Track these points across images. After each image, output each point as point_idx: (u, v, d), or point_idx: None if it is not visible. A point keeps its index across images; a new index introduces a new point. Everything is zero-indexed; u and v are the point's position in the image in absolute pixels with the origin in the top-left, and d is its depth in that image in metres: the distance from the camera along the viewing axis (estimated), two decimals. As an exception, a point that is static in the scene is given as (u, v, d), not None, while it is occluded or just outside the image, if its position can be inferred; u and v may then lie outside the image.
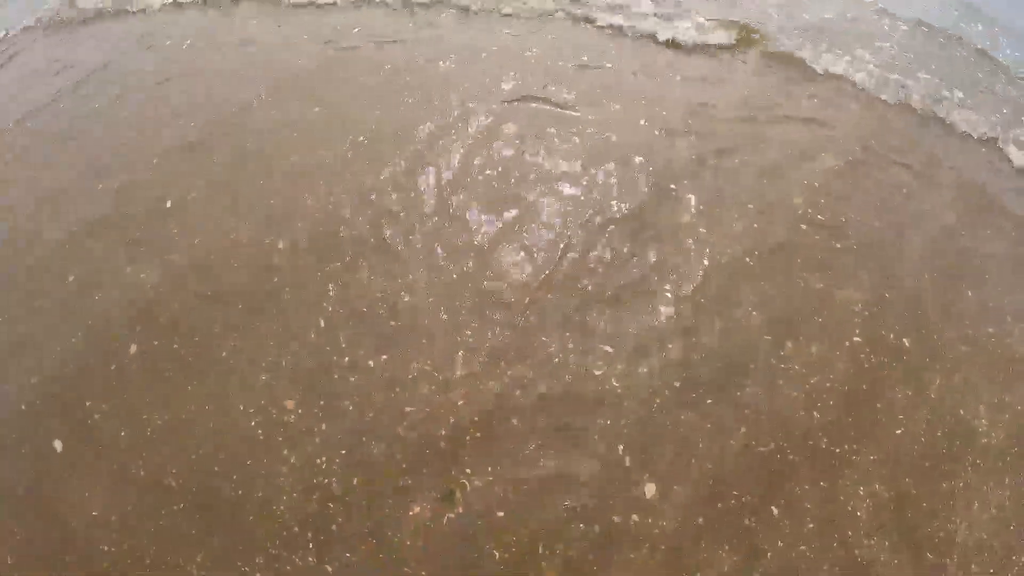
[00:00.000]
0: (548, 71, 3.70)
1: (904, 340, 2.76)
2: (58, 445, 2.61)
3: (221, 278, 2.94)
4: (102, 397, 2.70)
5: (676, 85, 3.68)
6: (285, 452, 2.51)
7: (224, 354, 2.77)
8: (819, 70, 3.82)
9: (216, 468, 2.52)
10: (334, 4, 4.33)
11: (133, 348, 2.82)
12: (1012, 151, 3.59)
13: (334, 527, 2.35)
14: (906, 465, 2.50)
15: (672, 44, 3.87)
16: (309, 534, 2.36)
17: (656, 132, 3.37)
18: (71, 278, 3.05)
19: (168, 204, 3.35)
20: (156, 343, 2.83)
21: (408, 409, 2.48)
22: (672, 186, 3.13)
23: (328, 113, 3.55)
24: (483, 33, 4.01)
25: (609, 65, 3.76)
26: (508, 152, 3.26)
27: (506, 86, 3.59)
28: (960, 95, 3.87)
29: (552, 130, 3.35)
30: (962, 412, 2.66)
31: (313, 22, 4.21)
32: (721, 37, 3.93)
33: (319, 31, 4.11)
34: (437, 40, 3.96)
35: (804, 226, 3.06)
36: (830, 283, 2.87)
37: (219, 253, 3.02)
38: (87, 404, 2.72)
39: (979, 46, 4.28)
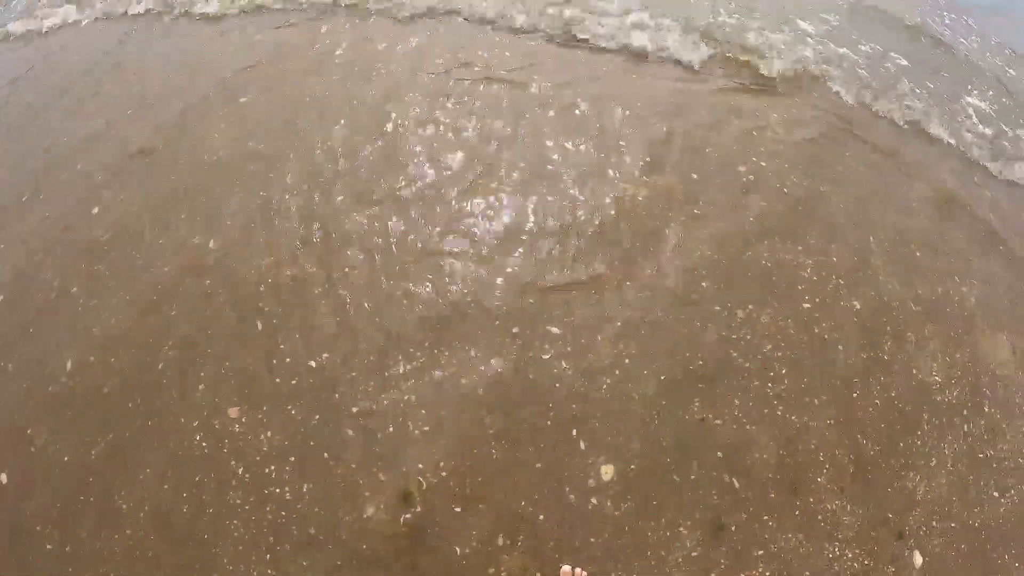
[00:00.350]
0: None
1: (855, 303, 2.77)
2: (3, 477, 2.48)
3: (152, 285, 2.81)
4: (42, 421, 2.56)
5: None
6: (233, 463, 2.40)
7: (161, 366, 2.65)
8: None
9: (165, 487, 2.40)
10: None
11: (69, 364, 2.68)
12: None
13: (290, 537, 2.26)
14: (864, 428, 2.50)
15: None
16: (264, 547, 2.26)
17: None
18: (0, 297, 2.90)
19: (95, 210, 3.21)
20: (92, 359, 2.69)
21: (354, 409, 2.40)
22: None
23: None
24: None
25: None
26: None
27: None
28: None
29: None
30: (914, 371, 2.67)
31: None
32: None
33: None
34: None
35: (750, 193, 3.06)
36: (776, 250, 2.86)
37: (147, 258, 2.90)
38: (27, 431, 2.57)
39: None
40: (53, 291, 2.89)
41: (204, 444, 2.45)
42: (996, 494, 2.45)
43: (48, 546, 2.32)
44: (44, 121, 3.83)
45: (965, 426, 2.60)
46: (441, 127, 3.32)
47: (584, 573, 2.06)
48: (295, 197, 3.05)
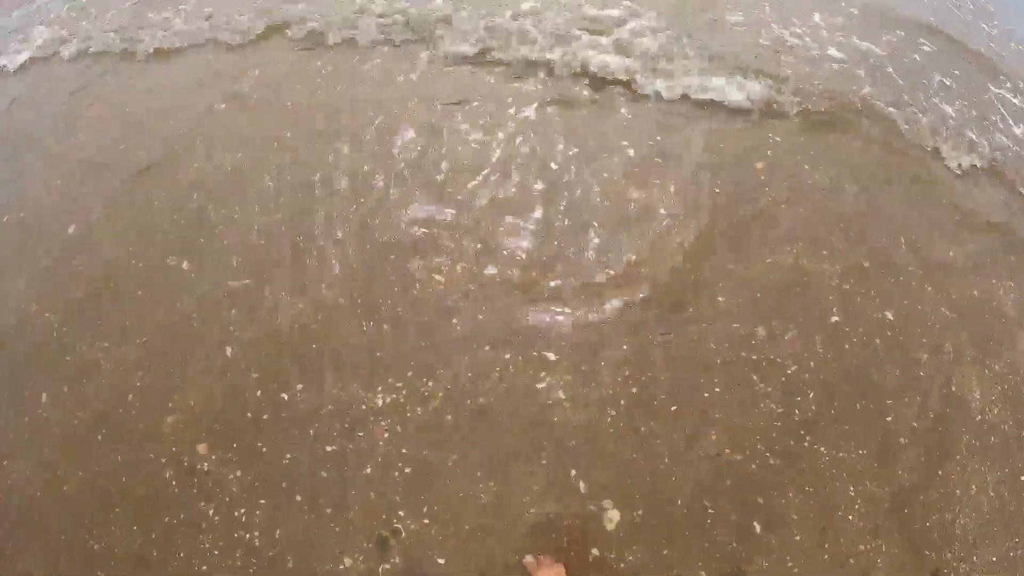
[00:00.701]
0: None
1: (886, 313, 2.47)
2: None
3: (122, 309, 2.61)
4: (14, 456, 2.40)
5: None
6: (202, 505, 2.21)
7: (130, 397, 2.45)
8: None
9: (135, 527, 2.22)
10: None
11: (44, 396, 2.51)
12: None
13: (262, 587, 2.06)
14: (899, 456, 2.21)
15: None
16: (236, 596, 2.07)
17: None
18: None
19: (71, 230, 3.02)
20: (65, 388, 2.51)
21: (329, 448, 2.17)
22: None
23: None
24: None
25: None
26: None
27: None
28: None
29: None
30: (953, 388, 2.37)
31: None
32: None
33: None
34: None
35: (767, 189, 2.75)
36: (800, 256, 2.56)
37: (119, 279, 2.70)
38: (3, 463, 2.41)
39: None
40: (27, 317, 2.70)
41: (174, 483, 2.25)
42: None
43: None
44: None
45: (1007, 446, 2.31)
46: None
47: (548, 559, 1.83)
48: (268, 216, 2.81)
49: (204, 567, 2.12)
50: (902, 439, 2.25)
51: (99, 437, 2.41)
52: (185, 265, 2.70)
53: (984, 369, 2.45)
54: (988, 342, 2.53)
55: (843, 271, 2.55)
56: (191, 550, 2.15)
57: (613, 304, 2.45)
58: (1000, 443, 2.33)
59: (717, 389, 2.24)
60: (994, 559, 2.11)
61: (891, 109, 3.23)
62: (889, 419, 2.28)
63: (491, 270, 2.55)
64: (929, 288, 2.60)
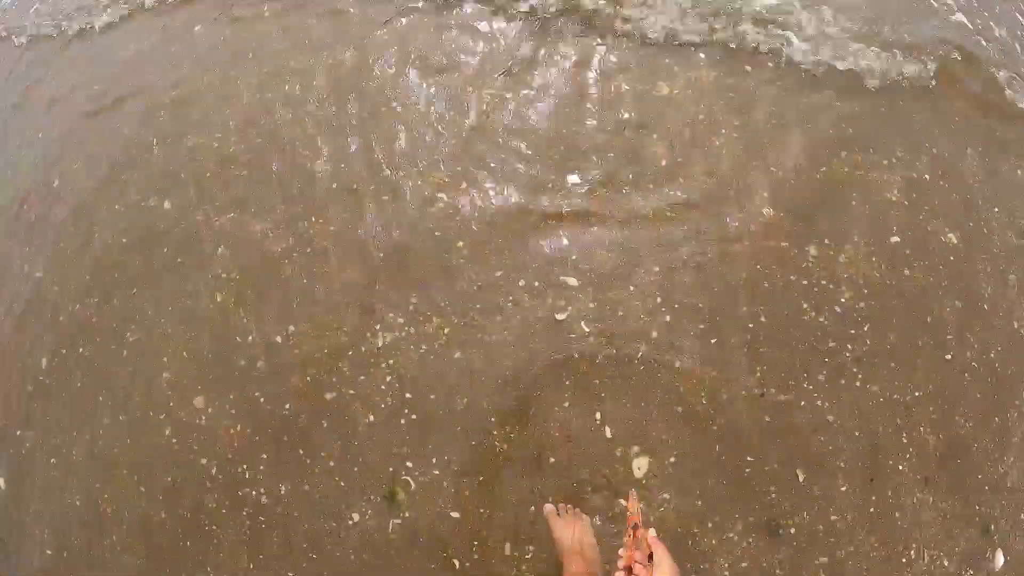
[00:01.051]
0: None
1: (950, 236, 2.18)
2: (1, 483, 2.33)
3: (106, 254, 2.47)
4: (26, 424, 2.37)
5: None
6: (204, 462, 2.09)
7: (125, 353, 2.33)
8: None
9: (142, 489, 2.14)
10: None
11: (44, 362, 2.42)
12: None
13: (271, 545, 1.96)
14: (956, 400, 1.98)
15: None
16: (245, 556, 1.98)
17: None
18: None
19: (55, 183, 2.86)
20: (64, 351, 2.41)
21: (328, 395, 2.01)
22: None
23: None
24: None
25: None
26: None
27: None
28: None
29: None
30: (1016, 324, 2.10)
31: None
32: None
33: None
34: None
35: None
36: (858, 165, 2.24)
37: (101, 221, 2.54)
38: (17, 433, 2.37)
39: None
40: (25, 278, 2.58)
41: (174, 440, 2.14)
42: None
43: (47, 551, 2.18)
44: None
45: None
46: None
47: (571, 508, 1.68)
48: (242, 147, 2.57)
49: (213, 526, 2.03)
50: (960, 379, 2.00)
51: (99, 398, 2.31)
52: (167, 205, 2.51)
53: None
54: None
55: (905, 184, 2.23)
56: (196, 508, 2.06)
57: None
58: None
59: (763, 319, 2.00)
60: None
61: None
62: (948, 357, 2.03)
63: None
64: (997, 209, 2.28)
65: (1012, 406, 2.01)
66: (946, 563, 1.81)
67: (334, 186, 2.37)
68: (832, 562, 1.78)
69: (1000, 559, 1.85)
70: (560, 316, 2.02)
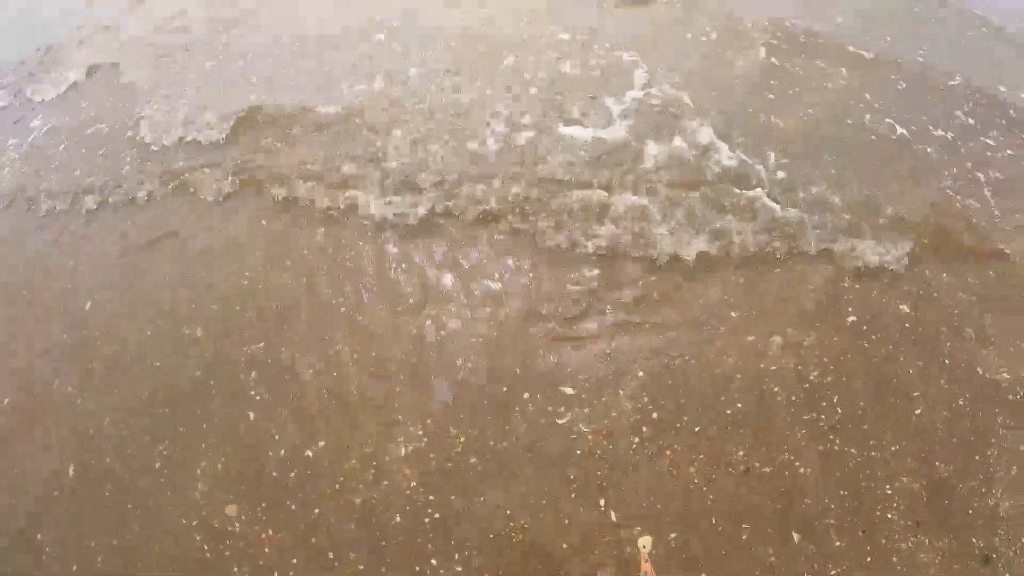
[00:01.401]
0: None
1: (902, 306, 2.42)
2: None
3: (141, 382, 2.63)
4: (49, 527, 2.44)
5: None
6: (236, 569, 2.21)
7: (157, 465, 2.47)
8: None
9: (172, 596, 2.24)
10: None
11: (71, 470, 2.54)
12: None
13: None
14: (933, 447, 2.17)
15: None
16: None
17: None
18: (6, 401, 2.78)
19: (87, 306, 3.04)
20: (92, 462, 2.54)
21: (357, 500, 2.17)
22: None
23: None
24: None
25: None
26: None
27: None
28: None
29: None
30: (979, 370, 2.32)
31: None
32: None
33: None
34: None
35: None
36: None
37: (134, 353, 2.72)
38: (37, 537, 2.45)
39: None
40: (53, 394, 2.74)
41: (205, 547, 2.26)
42: None
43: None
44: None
45: None
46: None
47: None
48: (264, 276, 2.80)
49: (244, 633, 2.12)
50: (933, 428, 2.19)
51: (128, 506, 2.43)
52: (200, 332, 2.71)
53: (1009, 347, 2.40)
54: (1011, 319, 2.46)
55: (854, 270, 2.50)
56: (230, 615, 2.15)
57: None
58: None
59: (739, 405, 2.20)
60: None
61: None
62: (918, 412, 2.23)
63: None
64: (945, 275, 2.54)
65: (990, 444, 2.20)
66: None
67: (359, 318, 2.58)
68: (837, 615, 1.91)
69: None
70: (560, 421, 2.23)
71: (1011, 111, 2.98)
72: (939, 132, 2.90)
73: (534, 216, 2.65)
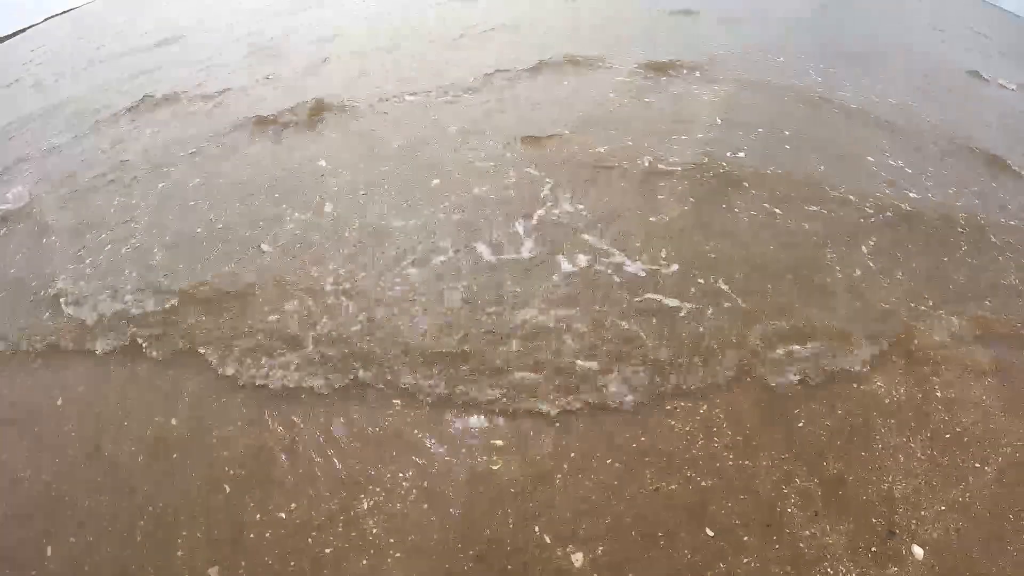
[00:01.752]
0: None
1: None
2: None
3: (115, 457, 2.85)
4: None
5: None
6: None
7: (138, 538, 2.66)
8: None
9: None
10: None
11: (49, 551, 2.66)
12: None
13: None
14: (820, 451, 2.56)
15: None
16: None
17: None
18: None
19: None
20: (72, 540, 2.65)
21: (327, 551, 2.43)
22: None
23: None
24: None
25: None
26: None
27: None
28: None
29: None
30: (854, 384, 2.77)
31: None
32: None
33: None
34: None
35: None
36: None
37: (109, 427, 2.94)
38: None
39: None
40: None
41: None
42: (978, 464, 2.52)
43: None
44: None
45: (922, 415, 2.70)
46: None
47: None
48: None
49: None
50: (817, 437, 2.60)
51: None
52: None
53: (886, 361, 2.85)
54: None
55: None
56: None
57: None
58: (914, 412, 2.71)
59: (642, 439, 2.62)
60: (943, 508, 2.40)
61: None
62: (800, 424, 2.65)
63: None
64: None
65: (874, 441, 2.61)
66: (866, 569, 2.24)
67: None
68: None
69: (918, 551, 2.30)
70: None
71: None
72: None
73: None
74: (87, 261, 4.07)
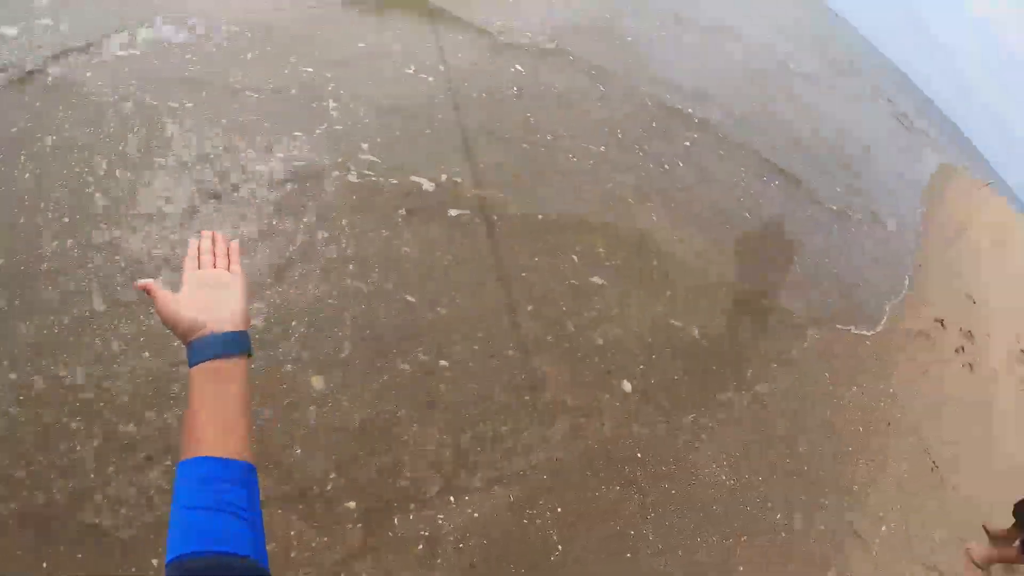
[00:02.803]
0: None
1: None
2: None
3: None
4: None
5: None
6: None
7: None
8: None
9: None
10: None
11: None
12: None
13: None
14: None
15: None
16: None
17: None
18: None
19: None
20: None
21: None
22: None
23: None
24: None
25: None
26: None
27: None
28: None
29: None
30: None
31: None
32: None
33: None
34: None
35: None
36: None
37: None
38: None
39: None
40: None
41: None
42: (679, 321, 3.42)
43: None
44: None
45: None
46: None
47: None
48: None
49: None
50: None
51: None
52: None
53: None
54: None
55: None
56: None
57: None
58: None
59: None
60: (637, 353, 3.21)
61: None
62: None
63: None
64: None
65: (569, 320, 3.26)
66: (587, 398, 2.87)
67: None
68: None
69: (628, 386, 3.11)
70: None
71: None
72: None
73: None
74: None
